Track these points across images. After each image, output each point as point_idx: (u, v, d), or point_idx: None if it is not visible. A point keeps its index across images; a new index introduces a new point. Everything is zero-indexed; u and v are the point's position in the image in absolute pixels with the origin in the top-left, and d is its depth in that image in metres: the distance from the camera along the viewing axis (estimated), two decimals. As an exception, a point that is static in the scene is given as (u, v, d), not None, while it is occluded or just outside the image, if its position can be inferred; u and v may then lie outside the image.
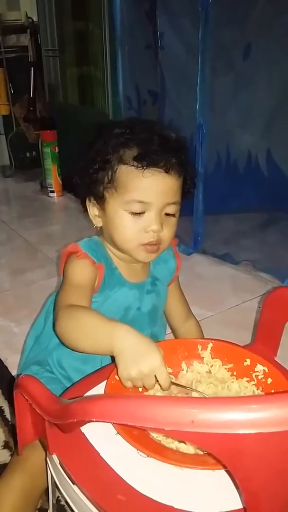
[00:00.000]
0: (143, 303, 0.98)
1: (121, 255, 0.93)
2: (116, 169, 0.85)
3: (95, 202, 0.91)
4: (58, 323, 0.79)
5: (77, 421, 0.45)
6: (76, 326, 0.77)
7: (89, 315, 0.78)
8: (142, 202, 0.84)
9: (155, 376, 0.68)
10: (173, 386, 0.75)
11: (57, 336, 0.80)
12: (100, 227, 0.94)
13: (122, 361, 0.68)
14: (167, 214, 0.87)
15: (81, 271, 0.89)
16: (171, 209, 0.87)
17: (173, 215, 0.88)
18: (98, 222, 0.93)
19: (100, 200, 0.89)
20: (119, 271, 0.95)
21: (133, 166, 0.83)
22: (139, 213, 0.85)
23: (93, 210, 0.93)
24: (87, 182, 0.90)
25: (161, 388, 0.69)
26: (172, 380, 0.72)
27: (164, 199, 0.85)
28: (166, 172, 0.84)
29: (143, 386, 0.69)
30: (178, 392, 0.75)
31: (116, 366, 0.69)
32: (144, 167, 0.82)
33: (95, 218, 0.93)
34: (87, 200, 0.93)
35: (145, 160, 0.82)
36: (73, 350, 0.79)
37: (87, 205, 0.94)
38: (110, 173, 0.86)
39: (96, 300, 0.91)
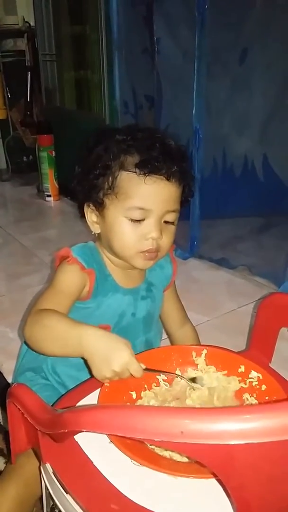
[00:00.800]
0: (137, 309, 0.97)
1: (117, 261, 0.93)
2: (117, 175, 0.84)
3: (94, 208, 0.90)
4: (26, 327, 0.80)
5: (68, 431, 0.44)
6: (44, 330, 0.78)
7: (57, 319, 0.79)
8: (142, 209, 0.84)
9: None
10: (166, 393, 0.75)
11: (25, 340, 0.81)
12: (98, 233, 0.93)
13: (94, 364, 0.71)
14: (166, 222, 0.87)
15: (68, 278, 0.89)
16: (171, 217, 0.87)
17: (172, 222, 0.88)
18: (96, 229, 0.92)
19: (100, 206, 0.88)
20: (113, 277, 0.94)
21: (135, 172, 0.82)
22: (139, 220, 0.84)
23: (91, 216, 0.92)
24: (86, 188, 0.89)
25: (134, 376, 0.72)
26: (144, 367, 0.73)
27: (164, 206, 0.85)
28: (167, 179, 0.84)
29: (136, 392, 0.70)
30: (172, 399, 0.75)
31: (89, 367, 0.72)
32: (146, 174, 0.82)
33: (93, 224, 0.92)
34: (85, 206, 0.92)
35: (147, 167, 0.82)
36: (41, 354, 0.82)
37: (85, 211, 0.93)
38: (111, 179, 0.85)
39: (89, 306, 0.91)
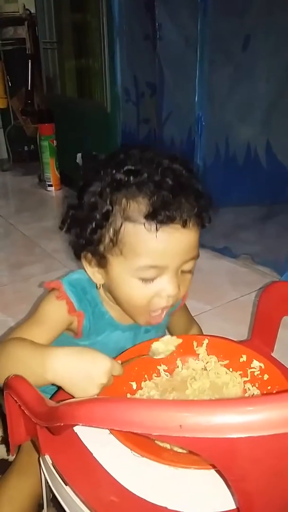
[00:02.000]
0: (139, 342, 0.85)
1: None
2: (121, 227, 0.68)
3: (93, 260, 0.76)
4: None
5: (65, 424, 0.44)
6: (8, 360, 0.68)
7: (21, 346, 0.69)
8: (155, 267, 0.69)
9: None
10: (166, 383, 0.74)
11: None
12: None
13: (74, 387, 0.64)
14: (183, 271, 0.73)
15: (53, 312, 0.77)
16: (189, 266, 0.73)
17: (190, 271, 0.74)
18: (98, 280, 0.78)
19: (101, 260, 0.74)
20: (111, 314, 0.83)
21: (143, 224, 0.66)
22: (152, 279, 0.71)
23: (90, 266, 0.77)
24: (82, 241, 0.74)
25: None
26: (121, 363, 0.69)
27: (182, 258, 0.71)
28: (184, 227, 0.68)
29: (136, 382, 0.67)
30: (172, 389, 0.74)
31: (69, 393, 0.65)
32: (158, 227, 0.66)
33: (94, 274, 0.77)
34: (82, 256, 0.77)
35: (159, 217, 0.66)
36: None
37: (82, 260, 0.78)
38: (112, 231, 0.69)
39: (83, 343, 0.82)
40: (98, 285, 0.79)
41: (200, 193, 0.71)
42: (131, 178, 0.68)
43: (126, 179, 0.68)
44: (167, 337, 0.79)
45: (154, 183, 0.67)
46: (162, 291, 0.71)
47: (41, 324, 0.75)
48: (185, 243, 0.70)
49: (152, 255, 0.68)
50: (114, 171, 0.69)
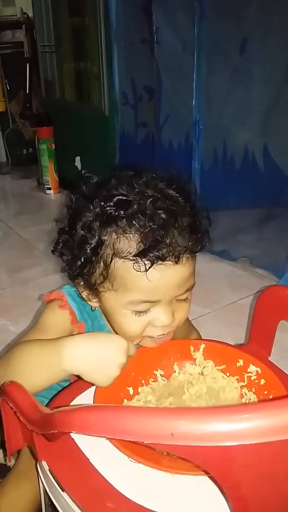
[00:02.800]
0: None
1: None
2: (111, 262, 0.66)
3: (85, 287, 0.75)
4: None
5: (59, 432, 0.44)
6: (17, 363, 0.66)
7: (28, 346, 0.67)
8: (147, 302, 0.68)
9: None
10: (163, 388, 0.74)
11: None
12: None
13: (96, 374, 0.63)
14: (178, 300, 0.72)
15: (57, 321, 0.77)
16: (184, 295, 0.72)
17: (186, 299, 0.73)
18: (93, 303, 0.77)
19: (92, 290, 0.73)
20: (109, 328, 0.81)
21: (133, 261, 0.65)
22: (145, 311, 0.70)
23: (83, 291, 0.76)
24: (73, 271, 0.73)
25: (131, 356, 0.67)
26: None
27: (175, 292, 0.69)
28: (176, 263, 0.66)
29: (133, 388, 0.67)
30: (169, 395, 0.74)
31: (89, 381, 0.64)
32: (148, 267, 0.64)
33: (88, 299, 0.77)
34: (75, 282, 0.76)
35: (149, 257, 0.63)
36: None
37: (76, 285, 0.77)
38: (102, 266, 0.68)
39: None
40: (92, 307, 0.79)
41: (195, 224, 0.69)
42: (121, 211, 0.65)
43: (116, 212, 0.65)
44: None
45: (146, 217, 0.64)
46: (156, 321, 0.71)
47: (45, 333, 0.74)
48: (177, 279, 0.68)
49: (143, 292, 0.67)
50: (103, 203, 0.67)
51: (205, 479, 0.58)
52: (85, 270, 0.70)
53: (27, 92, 3.27)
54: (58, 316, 0.78)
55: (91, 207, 0.68)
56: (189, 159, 2.11)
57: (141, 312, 0.70)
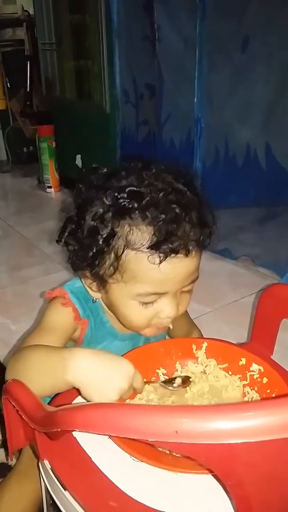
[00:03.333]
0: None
1: None
2: (122, 253, 0.67)
3: (92, 278, 0.74)
4: (7, 371, 0.67)
5: (62, 430, 0.43)
6: (25, 366, 0.65)
7: (37, 350, 0.67)
8: (156, 294, 0.69)
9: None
10: (169, 393, 0.74)
11: None
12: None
13: (92, 392, 0.60)
14: (182, 292, 0.73)
15: (60, 319, 0.77)
16: (189, 287, 0.74)
17: (189, 291, 0.75)
18: (97, 295, 0.77)
19: (100, 281, 0.73)
20: (111, 323, 0.83)
21: (145, 254, 0.65)
22: (152, 302, 0.71)
23: (87, 283, 0.77)
24: (81, 262, 0.72)
25: (136, 390, 0.66)
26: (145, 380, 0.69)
27: (182, 284, 0.71)
28: (187, 256, 0.67)
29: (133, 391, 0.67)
30: (171, 394, 0.74)
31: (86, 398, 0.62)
32: (161, 259, 0.65)
33: (92, 291, 0.77)
34: (80, 274, 0.77)
35: (163, 249, 0.64)
36: None
37: (80, 275, 0.77)
38: (113, 256, 0.68)
39: None
40: (94, 299, 0.79)
41: (203, 218, 0.70)
42: (134, 203, 0.65)
43: (129, 204, 0.65)
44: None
45: (158, 210, 0.64)
46: (161, 312, 0.71)
47: (51, 332, 0.74)
48: (186, 271, 0.69)
49: (153, 284, 0.68)
50: (116, 193, 0.66)
51: (208, 477, 0.58)
52: (96, 261, 0.69)
53: (28, 90, 3.26)
54: (61, 314, 0.77)
55: (103, 198, 0.68)
56: (191, 157, 2.11)
57: (147, 303, 0.70)
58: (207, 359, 0.80)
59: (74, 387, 0.62)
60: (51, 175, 3.09)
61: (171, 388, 0.74)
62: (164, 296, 0.70)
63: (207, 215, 0.72)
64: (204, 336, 1.08)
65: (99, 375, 0.61)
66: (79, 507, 0.57)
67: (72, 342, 0.82)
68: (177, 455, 0.62)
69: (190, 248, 0.67)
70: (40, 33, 3.08)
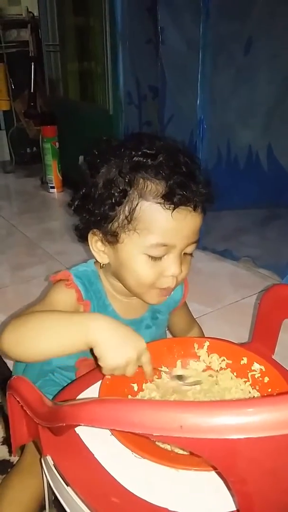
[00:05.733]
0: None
1: (121, 289, 0.84)
2: (137, 205, 0.72)
3: (102, 237, 0.79)
4: (5, 334, 0.69)
5: (67, 425, 0.44)
6: (33, 327, 0.69)
7: (48, 312, 0.71)
8: (166, 245, 0.73)
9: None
10: (167, 385, 0.74)
11: (3, 350, 0.69)
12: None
13: (107, 350, 0.65)
14: (185, 254, 0.77)
15: (63, 299, 0.80)
16: (191, 248, 0.78)
17: (191, 253, 0.79)
18: (104, 259, 0.81)
19: (111, 238, 0.76)
20: (113, 307, 0.86)
21: (159, 204, 0.71)
22: (159, 257, 0.75)
23: (97, 244, 0.80)
24: (95, 216, 0.77)
25: (146, 374, 0.70)
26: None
27: (188, 239, 0.75)
28: (194, 210, 0.73)
29: (137, 384, 0.68)
30: (173, 392, 0.74)
31: (97, 357, 0.67)
32: (175, 207, 0.70)
33: (99, 253, 0.81)
34: (90, 234, 0.80)
35: (175, 198, 0.70)
36: (27, 361, 0.74)
37: (89, 239, 0.80)
38: (127, 209, 0.72)
39: None
40: (101, 265, 0.82)
41: (207, 182, 0.76)
42: (149, 160, 0.72)
43: (143, 160, 0.72)
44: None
45: (169, 168, 0.71)
46: (167, 270, 0.75)
47: (50, 307, 0.78)
48: (193, 225, 0.75)
49: (164, 233, 0.72)
50: (132, 152, 0.73)
51: (210, 474, 0.59)
52: (111, 213, 0.74)
53: (32, 91, 3.27)
54: (64, 294, 0.80)
55: (118, 158, 0.74)
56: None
57: (156, 258, 0.74)
58: (209, 355, 0.81)
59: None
60: (54, 175, 3.10)
61: (182, 382, 0.77)
62: (171, 252, 0.74)
63: (209, 181, 0.78)
64: (205, 336, 1.08)
65: (115, 339, 0.66)
66: (81, 503, 0.58)
67: None
68: (178, 452, 0.62)
69: (198, 201, 0.73)
70: (45, 35, 3.10)
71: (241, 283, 1.91)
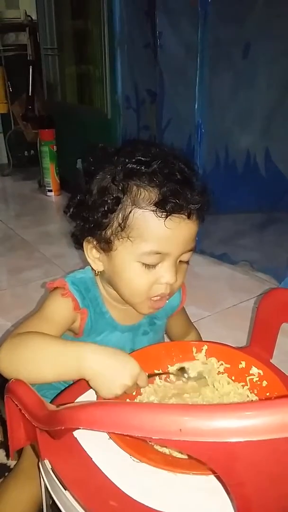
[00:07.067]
0: (137, 344, 0.89)
1: (117, 297, 0.83)
2: (130, 213, 0.71)
3: (96, 244, 0.78)
4: (2, 354, 0.69)
5: (65, 428, 0.44)
6: (29, 350, 0.68)
7: (46, 339, 0.70)
8: (160, 253, 0.72)
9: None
10: (166, 388, 0.74)
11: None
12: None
13: (102, 383, 0.65)
14: (180, 262, 0.77)
15: (59, 309, 0.79)
16: (187, 256, 0.77)
17: (187, 262, 0.78)
18: (99, 266, 0.80)
19: (105, 245, 0.76)
20: (111, 314, 0.86)
21: (152, 211, 0.70)
22: (154, 265, 0.74)
23: (92, 252, 0.80)
24: (89, 224, 0.76)
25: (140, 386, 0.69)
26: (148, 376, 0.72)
27: (183, 247, 0.74)
28: (188, 218, 0.72)
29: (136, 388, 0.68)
30: (172, 395, 0.74)
31: (94, 388, 0.67)
32: (166, 215, 0.70)
33: (95, 261, 0.80)
34: (85, 241, 0.80)
35: (168, 206, 0.69)
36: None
37: (84, 246, 0.80)
38: (121, 216, 0.72)
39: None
40: (96, 271, 0.82)
41: (203, 189, 0.75)
42: (143, 167, 0.71)
43: (137, 167, 0.71)
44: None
45: (163, 175, 0.71)
46: (162, 278, 0.74)
47: (48, 320, 0.77)
48: (188, 233, 0.74)
49: (158, 241, 0.71)
50: (126, 160, 0.72)
51: (208, 478, 0.59)
52: (105, 221, 0.73)
53: (30, 94, 3.28)
54: (61, 303, 0.79)
55: (112, 165, 0.74)
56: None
57: (150, 266, 0.73)
58: (207, 359, 0.81)
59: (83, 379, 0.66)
60: (51, 178, 3.10)
61: (184, 378, 0.77)
62: (166, 260, 0.73)
63: (204, 188, 0.77)
64: (203, 340, 1.08)
65: (108, 372, 0.65)
66: (79, 507, 0.57)
67: (72, 333, 0.84)
68: (177, 456, 0.62)
69: (191, 210, 0.72)
70: (43, 38, 3.10)
71: (239, 287, 1.91)
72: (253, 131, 2.27)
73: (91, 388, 0.67)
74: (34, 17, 3.22)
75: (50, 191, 3.12)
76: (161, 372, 0.79)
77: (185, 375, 0.78)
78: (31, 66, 3.23)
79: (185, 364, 0.79)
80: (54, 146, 3.07)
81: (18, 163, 3.66)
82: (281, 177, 2.30)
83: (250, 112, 2.24)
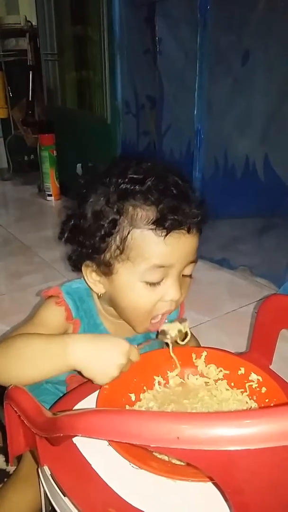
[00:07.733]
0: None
1: (114, 313, 0.81)
2: (128, 234, 0.70)
3: (96, 268, 0.76)
4: None
5: (64, 435, 0.44)
6: (17, 353, 0.68)
7: (31, 337, 0.69)
8: (162, 267, 0.71)
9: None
10: (165, 395, 0.74)
11: None
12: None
13: (94, 372, 0.65)
14: (183, 275, 0.75)
15: (52, 316, 0.78)
16: (189, 269, 0.76)
17: (190, 275, 0.77)
18: (100, 289, 0.78)
19: (105, 268, 0.74)
20: (105, 326, 0.84)
21: (151, 230, 0.69)
22: (157, 282, 0.72)
23: (92, 276, 0.78)
24: (86, 248, 0.75)
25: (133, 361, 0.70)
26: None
27: (185, 260, 0.73)
28: (188, 232, 0.71)
29: (135, 394, 0.68)
30: (171, 401, 0.74)
31: (88, 377, 0.67)
32: (167, 232, 0.68)
33: (95, 284, 0.78)
34: (83, 265, 0.78)
35: (166, 223, 0.68)
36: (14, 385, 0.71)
37: (83, 270, 0.78)
38: (119, 238, 0.70)
39: None
40: (99, 294, 0.80)
41: (200, 202, 0.74)
42: (136, 186, 0.69)
43: (131, 187, 0.70)
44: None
45: (159, 191, 0.69)
46: (166, 295, 0.73)
47: (40, 328, 0.75)
48: (189, 247, 0.73)
49: (159, 256, 0.70)
50: (118, 180, 0.71)
51: (207, 485, 0.59)
52: (102, 245, 0.72)
53: (30, 99, 3.30)
54: (54, 312, 0.79)
55: (105, 186, 0.72)
56: (190, 168, 2.13)
57: (154, 284, 0.72)
58: (206, 366, 0.81)
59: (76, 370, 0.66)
60: (51, 183, 3.11)
61: (167, 338, 0.78)
62: (169, 276, 0.72)
63: (202, 200, 0.76)
64: (202, 345, 1.08)
65: (99, 355, 0.66)
66: (79, 513, 0.57)
67: None
68: (176, 463, 0.62)
69: (191, 223, 0.71)
70: (43, 44, 3.12)
71: (238, 292, 1.91)
72: (252, 137, 2.28)
73: (86, 378, 0.67)
74: (34, 22, 3.23)
75: (50, 195, 3.13)
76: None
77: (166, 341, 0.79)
78: (31, 71, 3.25)
79: (164, 327, 0.79)
80: (54, 151, 3.08)
81: (18, 167, 3.67)
82: (280, 183, 2.31)
83: (249, 118, 2.25)
